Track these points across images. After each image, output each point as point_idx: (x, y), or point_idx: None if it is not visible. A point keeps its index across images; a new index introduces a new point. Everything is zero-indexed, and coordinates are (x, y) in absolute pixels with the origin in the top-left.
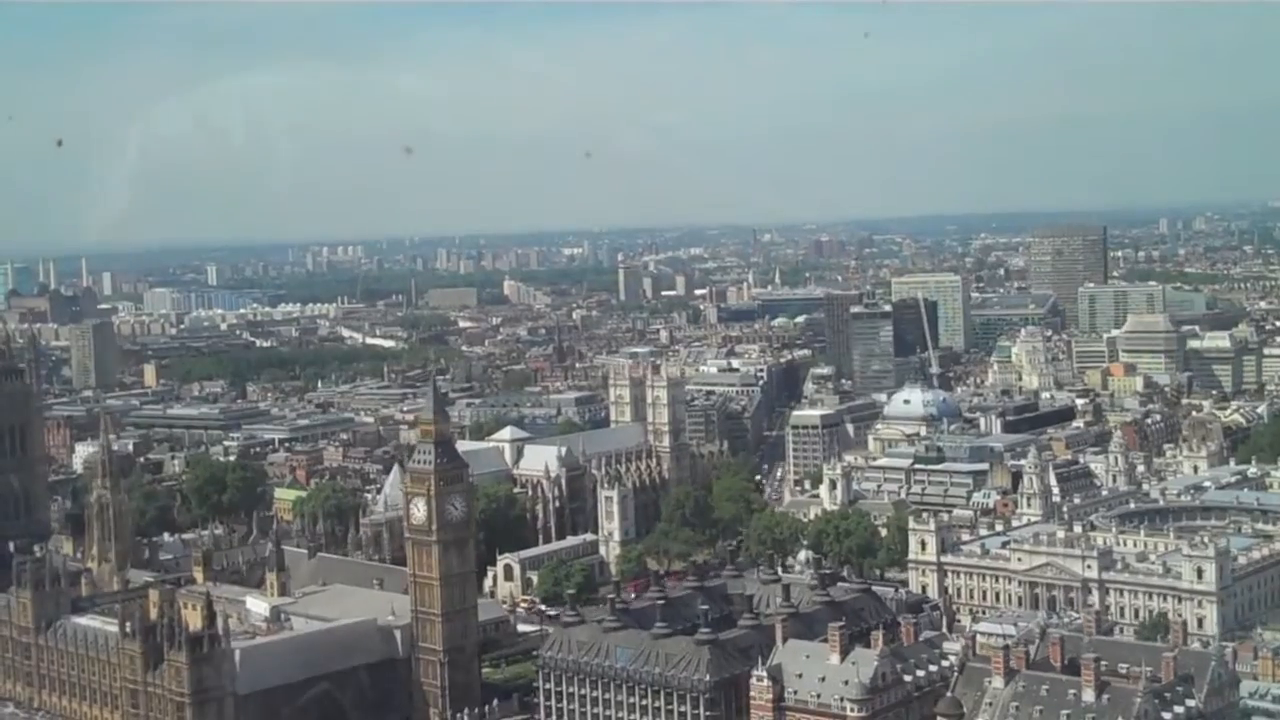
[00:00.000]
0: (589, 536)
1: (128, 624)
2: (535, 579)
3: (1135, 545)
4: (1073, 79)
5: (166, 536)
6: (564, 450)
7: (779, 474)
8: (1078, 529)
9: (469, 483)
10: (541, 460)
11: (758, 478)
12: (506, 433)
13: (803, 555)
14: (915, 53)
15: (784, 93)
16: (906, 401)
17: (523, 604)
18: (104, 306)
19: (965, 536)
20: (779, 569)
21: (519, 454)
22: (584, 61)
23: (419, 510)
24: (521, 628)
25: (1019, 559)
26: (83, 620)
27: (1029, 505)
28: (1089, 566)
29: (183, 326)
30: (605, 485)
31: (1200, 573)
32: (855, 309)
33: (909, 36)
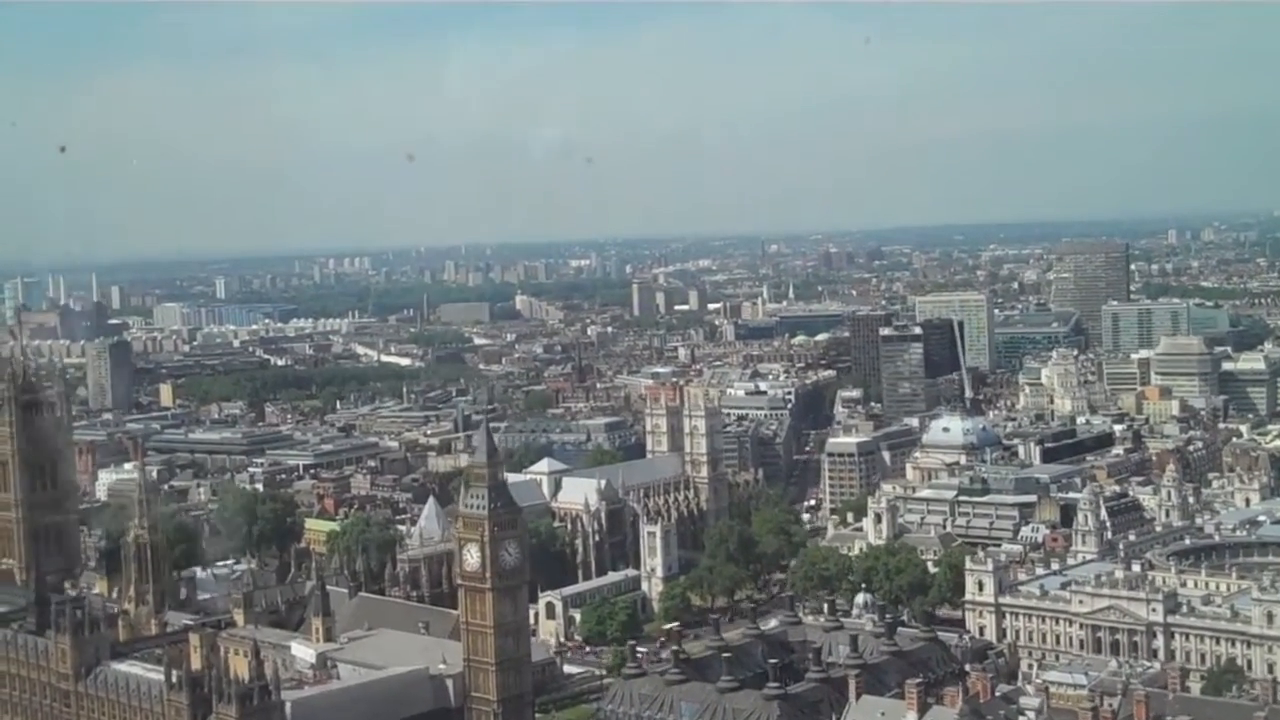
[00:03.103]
0: (631, 572)
1: (174, 674)
2: (578, 617)
3: (1197, 586)
4: (1076, 86)
5: (199, 572)
6: (603, 483)
7: (813, 502)
8: (1135, 568)
9: (523, 528)
10: (580, 493)
11: (796, 507)
12: (544, 464)
13: (860, 598)
14: (917, 61)
15: (786, 99)
16: (946, 430)
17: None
18: (114, 322)
19: (1021, 576)
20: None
21: (557, 486)
22: (585, 68)
23: (472, 557)
24: (568, 669)
25: (1080, 601)
26: (123, 666)
27: (1084, 543)
28: (1154, 610)
29: (195, 343)
30: (647, 519)
31: (1270, 617)
32: (885, 331)
33: (910, 43)
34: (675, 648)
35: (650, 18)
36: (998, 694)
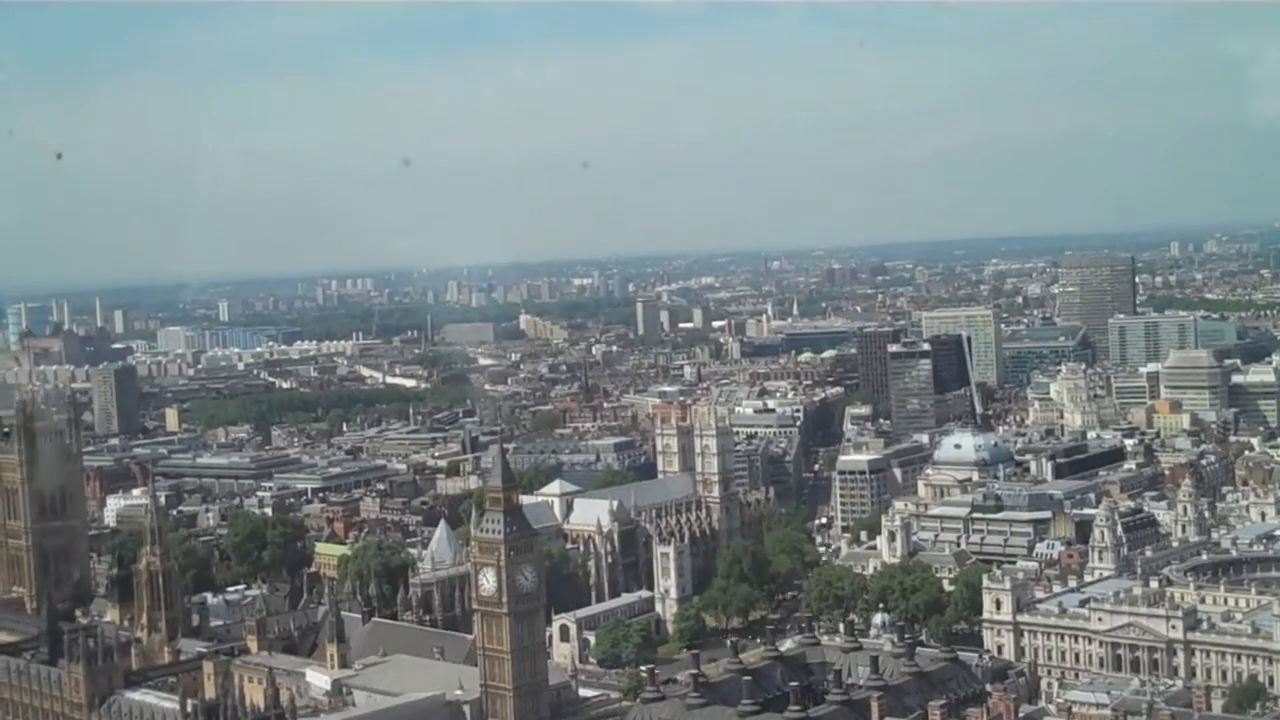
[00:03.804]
0: (644, 593)
1: (189, 703)
2: (592, 640)
3: (1216, 602)
4: (1076, 98)
5: (210, 598)
6: (615, 504)
7: (824, 520)
8: (1153, 584)
9: (539, 552)
10: (592, 514)
11: (808, 524)
12: (555, 486)
13: (878, 618)
14: (917, 75)
15: (786, 115)
16: (958, 446)
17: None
18: (118, 346)
19: (1039, 594)
20: (845, 628)
21: (569, 508)
22: (584, 85)
23: (488, 581)
24: (584, 692)
25: (1099, 619)
26: (136, 696)
27: (1100, 559)
28: (1174, 627)
29: (200, 367)
30: (660, 540)
31: None
32: (894, 348)
33: (909, 57)
34: (695, 671)
35: (651, 34)
36: (1021, 715)
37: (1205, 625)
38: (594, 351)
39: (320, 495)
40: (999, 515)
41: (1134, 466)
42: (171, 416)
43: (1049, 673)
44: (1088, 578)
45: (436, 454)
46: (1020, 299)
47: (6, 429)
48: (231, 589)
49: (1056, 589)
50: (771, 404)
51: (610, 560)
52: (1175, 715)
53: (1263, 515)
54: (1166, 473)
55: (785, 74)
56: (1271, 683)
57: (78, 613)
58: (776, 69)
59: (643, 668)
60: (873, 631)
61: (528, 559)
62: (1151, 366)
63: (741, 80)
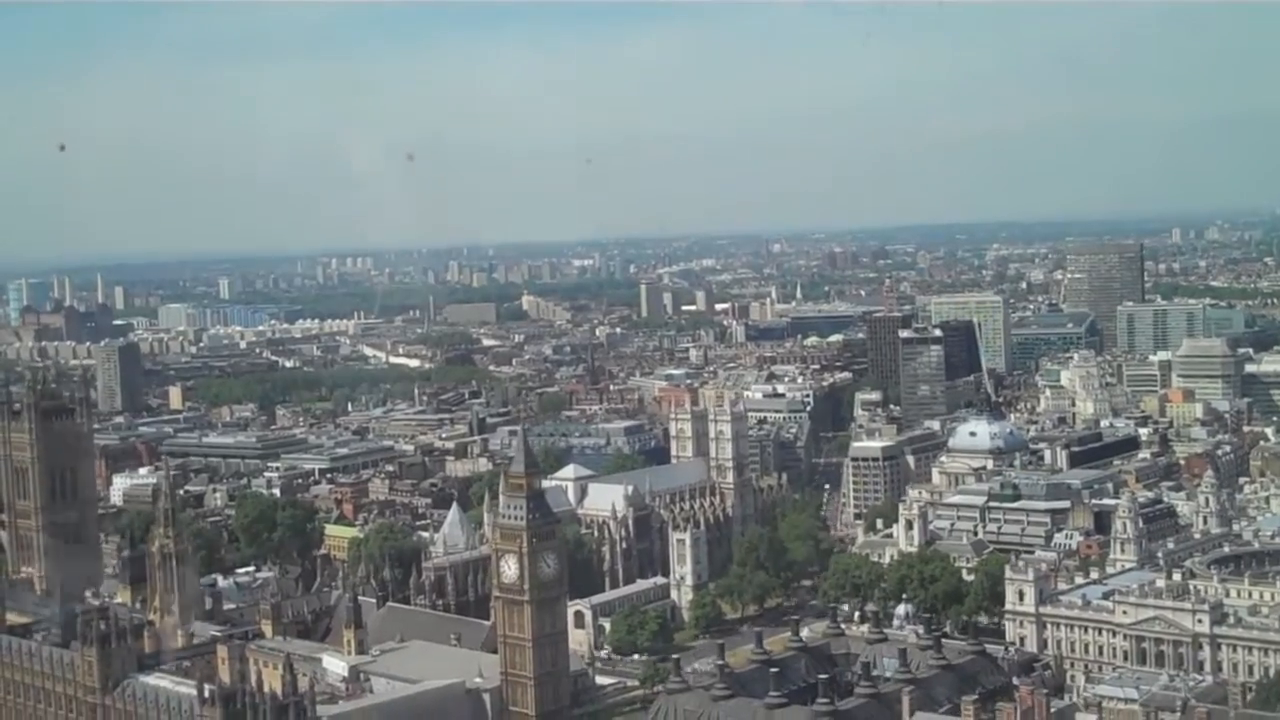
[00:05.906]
0: (660, 580)
1: (206, 688)
2: (607, 627)
3: (1241, 595)
4: (1079, 85)
5: (220, 580)
6: (630, 489)
7: (836, 507)
8: (1177, 577)
9: (561, 539)
10: (607, 499)
11: (821, 511)
12: (569, 471)
13: (902, 609)
14: (919, 61)
15: (788, 99)
16: (973, 434)
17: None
18: (119, 323)
19: (1062, 585)
20: (871, 619)
21: (583, 493)
22: (586, 69)
23: (510, 568)
24: (600, 680)
25: (1124, 611)
26: (151, 679)
27: (1122, 551)
28: (1200, 621)
29: (202, 345)
30: (677, 526)
31: None
32: (905, 333)
33: (911, 44)
34: (720, 661)
35: (653, 18)
36: (1052, 711)
37: (1232, 619)
38: (598, 333)
39: (328, 476)
40: (1016, 504)
41: (1149, 456)
42: (175, 395)
43: (1072, 665)
44: (1109, 569)
45: (444, 435)
46: (1024, 285)
47: (17, 407)
48: (241, 571)
49: (1077, 580)
50: (780, 389)
51: (625, 546)
52: (1211, 713)
53: None
54: (1182, 462)
55: (787, 62)
56: None
57: (88, 594)
58: (778, 57)
59: (671, 656)
60: (896, 622)
61: (550, 546)
62: (1163, 355)
63: (743, 67)
